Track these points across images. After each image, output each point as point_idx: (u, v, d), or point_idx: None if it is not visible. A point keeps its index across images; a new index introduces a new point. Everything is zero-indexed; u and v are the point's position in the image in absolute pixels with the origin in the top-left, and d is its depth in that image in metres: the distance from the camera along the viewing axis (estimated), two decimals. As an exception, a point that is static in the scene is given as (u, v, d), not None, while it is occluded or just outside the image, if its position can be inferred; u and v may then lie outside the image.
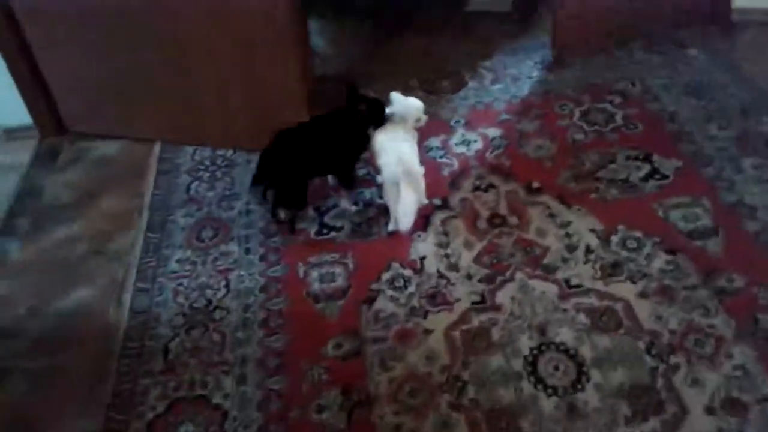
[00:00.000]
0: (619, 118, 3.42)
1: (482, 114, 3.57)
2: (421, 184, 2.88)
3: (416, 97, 3.09)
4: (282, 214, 2.99)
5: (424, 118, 3.05)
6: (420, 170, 2.86)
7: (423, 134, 3.34)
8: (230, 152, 3.47)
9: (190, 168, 3.41)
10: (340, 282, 2.74)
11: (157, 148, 3.54)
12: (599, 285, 2.62)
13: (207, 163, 3.43)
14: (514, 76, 3.81)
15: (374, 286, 2.71)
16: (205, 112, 3.35)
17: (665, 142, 3.25)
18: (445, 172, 3.22)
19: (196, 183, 3.31)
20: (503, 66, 3.92)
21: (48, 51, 3.35)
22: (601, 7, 3.70)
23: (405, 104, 3.01)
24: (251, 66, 3.12)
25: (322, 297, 2.69)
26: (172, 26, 3.07)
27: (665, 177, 3.06)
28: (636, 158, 3.17)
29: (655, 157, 3.16)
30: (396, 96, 3.02)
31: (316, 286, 2.74)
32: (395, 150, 2.83)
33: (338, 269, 2.80)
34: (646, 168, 3.11)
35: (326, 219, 3.04)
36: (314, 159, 2.90)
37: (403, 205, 2.81)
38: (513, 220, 2.94)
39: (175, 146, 3.53)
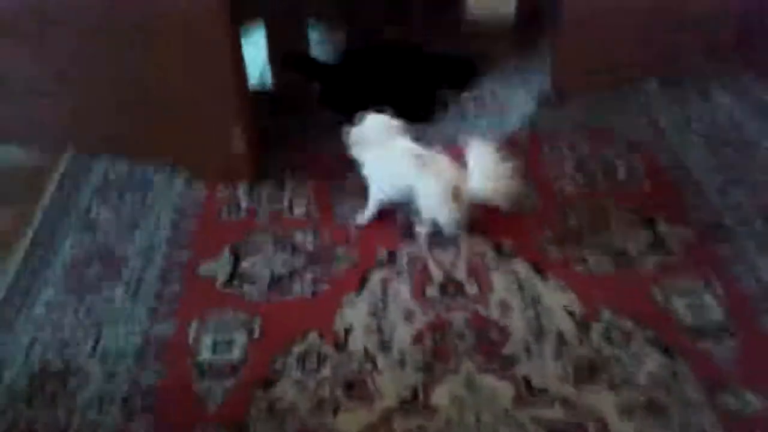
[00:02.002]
0: (621, 171, 2.80)
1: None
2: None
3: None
4: None
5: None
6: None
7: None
8: (151, 169, 2.88)
9: (98, 186, 2.83)
10: (236, 353, 2.14)
11: (65, 158, 2.96)
12: (569, 391, 2.00)
13: (120, 182, 2.85)
14: (502, 108, 3.21)
15: (278, 364, 2.10)
16: (126, 121, 2.76)
17: (675, 206, 2.63)
18: (400, 218, 2.62)
19: (99, 205, 2.73)
20: (492, 94, 3.32)
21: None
22: (610, 37, 3.06)
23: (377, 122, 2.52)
24: (175, 75, 2.55)
25: (209, 372, 2.09)
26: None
27: (670, 252, 2.43)
28: (637, 223, 2.55)
29: (660, 225, 2.53)
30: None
31: (205, 356, 2.14)
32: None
33: (238, 335, 2.20)
34: (648, 237, 2.49)
35: (243, 265, 2.44)
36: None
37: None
38: (472, 288, 2.33)
39: (87, 158, 2.95)
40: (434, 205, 2.39)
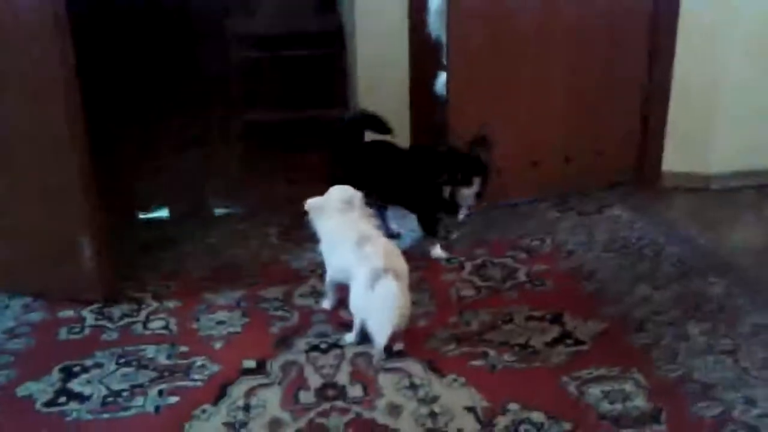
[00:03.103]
0: (521, 275, 2.57)
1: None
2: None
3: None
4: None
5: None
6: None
7: (262, 282, 2.47)
8: (-14, 296, 2.46)
9: None
10: (42, 480, 1.63)
11: None
12: (470, 494, 1.57)
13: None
14: (396, 219, 2.97)
15: (97, 489, 1.60)
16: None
17: (582, 302, 2.39)
18: (275, 327, 2.26)
19: None
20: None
21: None
22: (503, 157, 2.97)
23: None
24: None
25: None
26: None
27: (581, 342, 2.14)
28: (541, 319, 2.27)
29: (566, 318, 2.26)
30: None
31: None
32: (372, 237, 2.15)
33: (51, 459, 1.70)
34: (555, 331, 2.20)
35: (73, 383, 1.99)
36: None
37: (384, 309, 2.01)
38: (355, 391, 1.93)
39: None
40: (360, 297, 2.07)
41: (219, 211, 3.34)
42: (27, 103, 2.22)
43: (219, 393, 1.93)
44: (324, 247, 2.30)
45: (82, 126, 2.28)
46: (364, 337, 2.13)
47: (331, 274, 2.27)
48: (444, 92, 3.09)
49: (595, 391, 1.92)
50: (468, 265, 2.64)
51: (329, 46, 4.06)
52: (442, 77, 3.16)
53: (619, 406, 1.85)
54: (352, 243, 2.11)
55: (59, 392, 1.95)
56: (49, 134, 2.24)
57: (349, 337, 2.16)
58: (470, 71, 2.99)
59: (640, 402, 1.87)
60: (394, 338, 2.06)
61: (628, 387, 1.93)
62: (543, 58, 3.08)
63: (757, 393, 1.89)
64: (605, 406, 1.86)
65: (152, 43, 4.77)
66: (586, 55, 3.13)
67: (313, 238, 2.35)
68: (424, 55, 3.27)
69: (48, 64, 2.15)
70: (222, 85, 4.38)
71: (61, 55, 2.15)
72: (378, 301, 2.00)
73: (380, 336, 2.03)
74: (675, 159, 3.35)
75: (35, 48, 2.14)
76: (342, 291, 2.24)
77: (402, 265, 2.09)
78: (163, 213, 3.30)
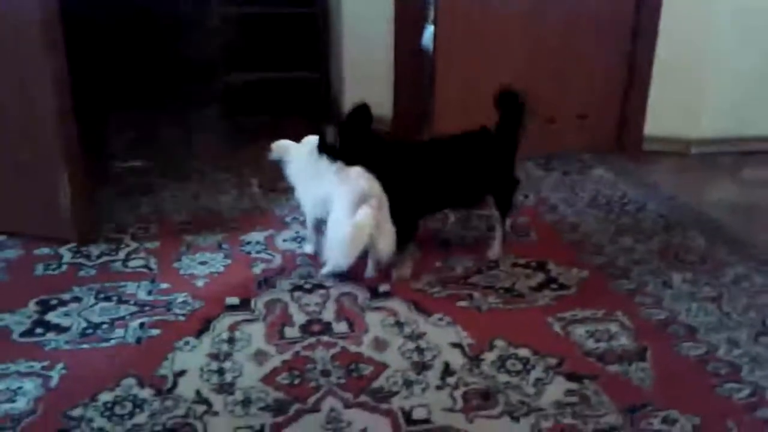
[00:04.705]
0: (506, 225, 2.55)
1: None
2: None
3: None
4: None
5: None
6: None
7: (243, 227, 2.42)
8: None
9: None
10: (20, 404, 1.59)
11: None
12: (458, 420, 1.56)
13: None
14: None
15: (76, 413, 1.56)
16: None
17: (565, 252, 2.39)
18: (258, 268, 2.22)
19: None
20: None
21: None
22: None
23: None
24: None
25: (-27, 425, 1.52)
26: None
27: (565, 287, 2.14)
28: (526, 266, 2.27)
29: (551, 266, 2.26)
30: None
31: (-27, 408, 1.57)
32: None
33: (29, 384, 1.65)
34: (540, 277, 2.20)
35: (50, 316, 1.93)
36: None
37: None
38: (340, 327, 1.91)
39: None
40: (343, 216, 2.03)
41: (197, 165, 3.28)
42: (7, 41, 2.15)
43: (202, 327, 1.90)
44: (299, 185, 2.26)
45: (63, 65, 2.20)
46: (348, 276, 2.12)
47: (310, 211, 2.24)
48: (431, 46, 3.06)
49: (580, 330, 1.92)
50: (452, 216, 2.62)
51: (309, 5, 4.00)
52: (429, 30, 3.13)
53: (604, 345, 1.86)
54: (333, 169, 2.09)
55: (36, 323, 1.90)
56: (30, 73, 2.16)
57: (324, 270, 2.15)
58: (458, 26, 2.97)
59: (624, 341, 1.87)
60: (378, 274, 2.05)
61: (613, 328, 1.93)
62: (532, 19, 3.07)
63: (740, 335, 1.91)
64: (590, 344, 1.86)
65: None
66: (573, 20, 3.13)
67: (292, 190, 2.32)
68: (408, 10, 3.24)
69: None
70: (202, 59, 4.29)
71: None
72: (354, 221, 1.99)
73: (342, 257, 2.04)
74: (656, 124, 3.38)
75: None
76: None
77: (381, 192, 2.07)
78: (140, 164, 3.22)
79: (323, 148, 2.14)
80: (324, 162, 2.14)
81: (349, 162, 2.11)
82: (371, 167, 2.09)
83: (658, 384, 1.71)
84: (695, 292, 2.13)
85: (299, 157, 2.24)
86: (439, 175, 2.21)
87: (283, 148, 2.26)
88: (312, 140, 2.21)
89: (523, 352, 1.81)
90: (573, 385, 1.69)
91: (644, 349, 1.84)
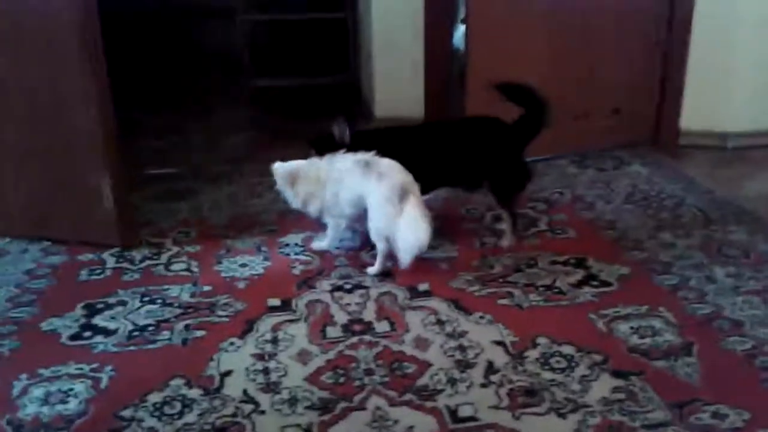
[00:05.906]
0: (542, 224, 2.55)
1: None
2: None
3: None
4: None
5: None
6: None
7: (280, 230, 2.44)
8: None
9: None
10: (72, 405, 1.62)
11: None
12: (504, 417, 1.56)
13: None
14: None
15: (127, 413, 1.59)
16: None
17: (605, 248, 2.37)
18: (297, 270, 2.24)
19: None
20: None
21: None
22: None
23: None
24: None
25: (31, 427, 1.55)
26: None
27: (607, 284, 2.13)
28: (565, 263, 2.25)
29: (591, 262, 2.25)
30: None
31: (29, 410, 1.61)
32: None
33: (79, 386, 1.69)
34: (579, 274, 2.19)
35: (97, 319, 1.97)
36: None
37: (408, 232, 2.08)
38: (382, 326, 1.92)
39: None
40: (383, 212, 2.09)
41: (231, 168, 3.30)
42: (48, 55, 2.20)
43: (246, 328, 1.92)
44: (329, 192, 2.24)
45: (105, 78, 2.25)
46: (386, 274, 2.13)
47: (340, 213, 2.25)
48: (462, 45, 3.06)
49: (624, 327, 1.90)
50: (488, 216, 2.62)
51: (339, 10, 4.02)
52: (460, 30, 3.13)
53: (648, 341, 1.84)
54: (359, 166, 2.13)
55: (84, 327, 1.94)
56: (72, 86, 2.21)
57: (372, 269, 2.16)
58: (489, 25, 2.96)
59: (670, 336, 1.85)
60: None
61: (657, 324, 1.92)
62: (560, 14, 3.05)
63: (788, 329, 1.88)
64: (635, 341, 1.84)
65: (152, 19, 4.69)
66: (602, 13, 3.10)
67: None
68: (438, 10, 3.25)
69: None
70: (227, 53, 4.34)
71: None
72: (406, 217, 2.04)
73: (408, 253, 2.08)
74: (692, 118, 3.33)
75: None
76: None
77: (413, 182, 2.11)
78: (175, 169, 3.25)
79: (332, 145, 2.25)
80: (341, 162, 2.19)
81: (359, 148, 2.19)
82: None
83: (705, 379, 1.69)
84: (740, 286, 2.10)
85: (314, 172, 2.25)
86: (432, 154, 2.34)
87: (288, 170, 2.28)
88: (346, 156, 2.22)
89: (567, 349, 1.81)
90: (619, 382, 1.68)
91: (690, 345, 1.82)
